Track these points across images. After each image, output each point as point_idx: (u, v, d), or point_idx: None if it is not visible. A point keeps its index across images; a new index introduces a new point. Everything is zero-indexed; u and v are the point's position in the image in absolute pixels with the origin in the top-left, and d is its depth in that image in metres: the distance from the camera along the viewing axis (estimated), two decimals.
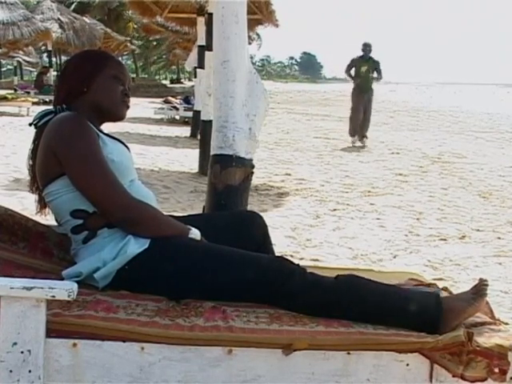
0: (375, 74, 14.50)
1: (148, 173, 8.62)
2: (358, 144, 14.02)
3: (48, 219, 2.59)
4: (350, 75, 14.54)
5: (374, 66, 14.37)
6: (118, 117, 2.56)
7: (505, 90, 78.12)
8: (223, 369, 2.04)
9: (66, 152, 2.29)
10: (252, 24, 13.94)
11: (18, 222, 2.56)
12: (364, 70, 14.21)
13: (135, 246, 2.25)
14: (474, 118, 23.43)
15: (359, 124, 14.24)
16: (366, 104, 14.36)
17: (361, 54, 14.42)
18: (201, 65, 10.85)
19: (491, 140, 15.84)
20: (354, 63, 14.44)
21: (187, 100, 18.61)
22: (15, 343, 1.92)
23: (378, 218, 6.58)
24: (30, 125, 2.51)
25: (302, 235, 5.70)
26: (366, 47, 14.44)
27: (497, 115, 24.85)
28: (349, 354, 2.09)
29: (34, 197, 2.60)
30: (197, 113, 12.21)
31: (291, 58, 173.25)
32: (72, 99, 2.47)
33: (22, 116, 16.62)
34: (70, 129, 2.32)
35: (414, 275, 2.92)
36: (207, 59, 9.27)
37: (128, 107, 2.57)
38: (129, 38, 40.18)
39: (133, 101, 2.62)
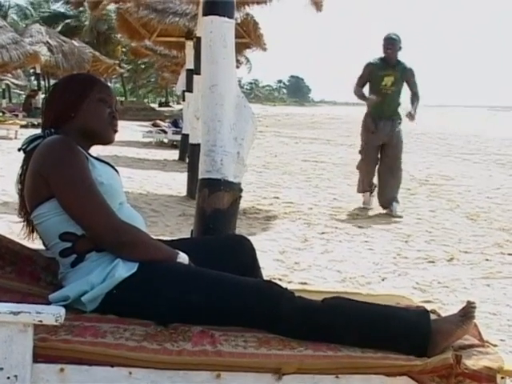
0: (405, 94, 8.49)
1: (136, 196, 8.60)
2: (374, 209, 8.54)
3: (35, 243, 2.59)
4: (362, 95, 8.39)
5: (406, 76, 8.29)
6: (107, 140, 2.57)
7: (491, 112, 78.63)
8: None
9: (55, 174, 2.29)
10: (240, 48, 14.09)
11: (5, 245, 2.55)
12: (389, 84, 8.20)
13: (123, 270, 2.25)
14: (461, 140, 23.53)
15: (373, 177, 8.64)
16: (389, 142, 8.36)
17: (381, 55, 8.27)
18: (189, 88, 10.89)
19: (478, 162, 15.93)
20: (369, 72, 8.27)
21: (176, 123, 18.64)
22: (1, 368, 1.91)
23: (366, 241, 6.59)
24: (19, 150, 2.52)
25: (291, 258, 5.69)
26: (390, 42, 8.12)
27: (483, 137, 24.98)
28: (337, 377, 2.09)
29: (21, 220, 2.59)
30: (185, 136, 12.21)
31: (279, 82, 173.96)
32: (60, 124, 2.47)
33: (10, 139, 16.58)
34: (58, 151, 2.33)
35: (402, 298, 2.92)
36: (195, 83, 9.30)
37: (116, 131, 2.58)
38: (117, 62, 40.35)
39: (121, 124, 2.63)
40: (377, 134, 8.35)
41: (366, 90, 8.42)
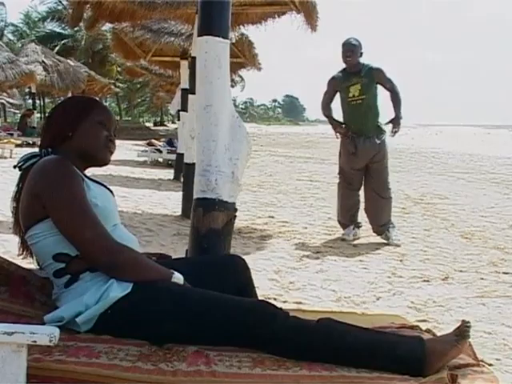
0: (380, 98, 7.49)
1: (131, 215, 8.59)
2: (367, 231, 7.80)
3: (30, 261, 2.58)
4: (329, 117, 7.67)
5: (374, 78, 7.33)
6: (102, 162, 2.58)
7: (485, 130, 78.94)
8: None
9: (50, 195, 2.29)
10: (235, 67, 14.16)
11: None
12: (357, 93, 7.34)
13: (118, 290, 2.25)
14: (455, 158, 23.59)
15: (355, 208, 7.70)
16: (372, 161, 7.47)
17: (344, 66, 7.48)
18: (184, 108, 10.88)
19: (473, 181, 15.94)
20: (333, 88, 7.54)
21: (171, 143, 18.67)
22: None
23: (361, 260, 6.58)
24: (15, 167, 2.52)
25: (285, 278, 5.68)
26: (349, 49, 7.27)
27: (477, 156, 25.05)
28: None
29: (16, 239, 2.59)
30: (180, 155, 12.21)
31: (274, 101, 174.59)
32: (57, 143, 2.49)
33: (5, 158, 16.56)
34: (55, 172, 2.33)
35: (396, 318, 2.92)
36: (190, 102, 9.29)
37: (112, 153, 2.59)
38: (112, 81, 40.50)
39: (116, 143, 2.64)
40: (357, 155, 7.40)
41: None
